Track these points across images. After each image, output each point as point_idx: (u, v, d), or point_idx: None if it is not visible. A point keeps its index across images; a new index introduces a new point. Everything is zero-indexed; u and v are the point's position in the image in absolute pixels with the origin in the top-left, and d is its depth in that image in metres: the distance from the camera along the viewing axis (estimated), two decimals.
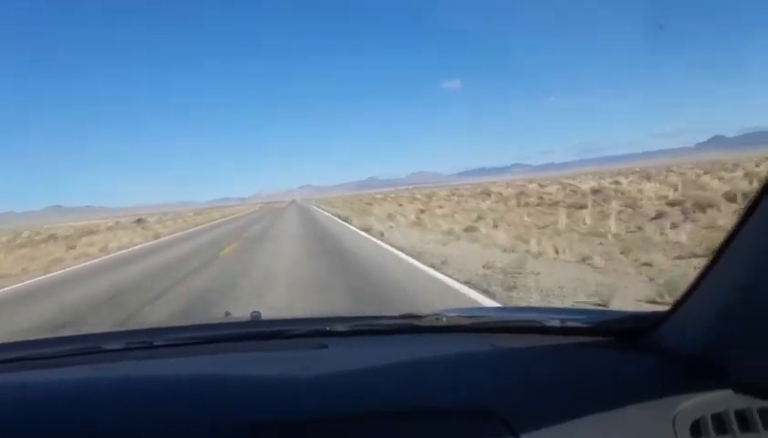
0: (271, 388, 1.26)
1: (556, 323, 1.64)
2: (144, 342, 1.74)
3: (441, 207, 34.63)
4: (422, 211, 31.29)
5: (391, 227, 21.12)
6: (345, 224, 26.30)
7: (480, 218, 21.27)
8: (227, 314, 3.41)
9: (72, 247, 27.48)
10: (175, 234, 33.05)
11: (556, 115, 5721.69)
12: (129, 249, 23.68)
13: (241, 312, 2.70)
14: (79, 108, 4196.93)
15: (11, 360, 1.62)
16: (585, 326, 1.60)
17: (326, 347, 1.62)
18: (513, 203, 31.05)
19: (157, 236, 32.19)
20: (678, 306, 1.29)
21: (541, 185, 56.41)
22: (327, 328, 1.78)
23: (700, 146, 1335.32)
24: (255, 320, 2.03)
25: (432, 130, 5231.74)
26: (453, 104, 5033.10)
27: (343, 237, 18.53)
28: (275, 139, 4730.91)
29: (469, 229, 17.04)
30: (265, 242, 19.36)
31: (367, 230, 20.11)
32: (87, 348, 1.71)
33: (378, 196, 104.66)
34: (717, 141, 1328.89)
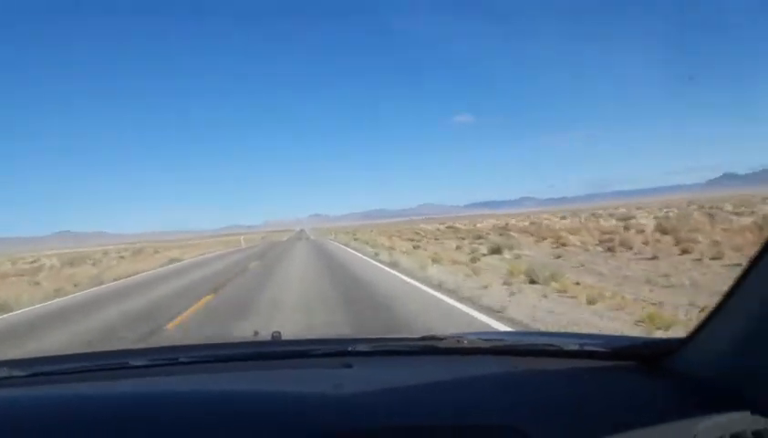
0: (301, 405, 1.29)
1: (575, 347, 1.66)
2: (169, 359, 1.79)
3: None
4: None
5: None
6: None
7: None
8: (256, 333, 2.90)
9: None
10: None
11: (567, 150, 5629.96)
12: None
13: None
14: (85, 133, 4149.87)
15: (36, 375, 1.67)
16: (603, 350, 1.62)
17: (350, 366, 1.64)
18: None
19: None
20: (696, 332, 1.35)
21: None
22: (350, 349, 1.81)
23: (712, 182, 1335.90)
24: (278, 340, 2.06)
25: (442, 163, 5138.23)
26: (464, 137, 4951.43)
27: None
28: (284, 168, 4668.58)
29: None
30: None
31: None
32: (113, 364, 1.77)
33: (428, 227, 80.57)
34: (728, 178, 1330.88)
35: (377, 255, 24.71)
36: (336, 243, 45.28)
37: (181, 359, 1.78)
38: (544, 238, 28.88)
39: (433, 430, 1.17)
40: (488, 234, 38.43)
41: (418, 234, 55.43)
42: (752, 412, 1.17)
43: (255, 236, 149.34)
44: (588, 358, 1.62)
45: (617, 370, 1.52)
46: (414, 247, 31.18)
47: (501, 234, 35.31)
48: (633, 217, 40.27)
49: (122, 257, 49.89)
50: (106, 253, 64.40)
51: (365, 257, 24.18)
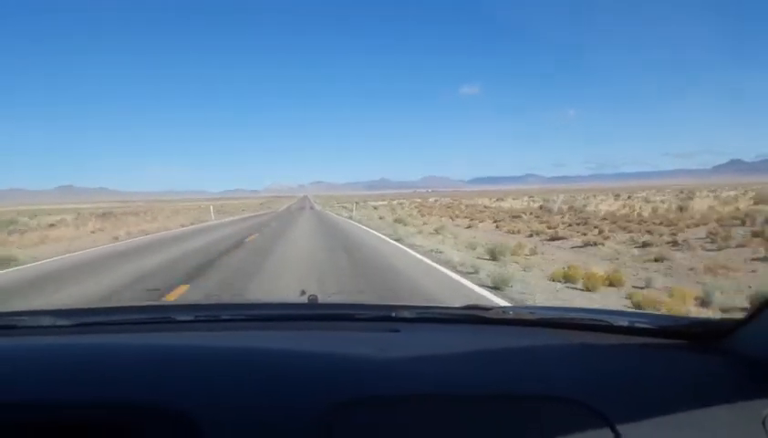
0: (350, 366, 1.27)
1: (624, 323, 1.61)
2: (212, 315, 1.80)
3: None
4: None
5: None
6: None
7: None
8: (303, 293, 2.67)
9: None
10: None
11: (573, 128, 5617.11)
12: None
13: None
14: (94, 91, 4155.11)
15: (81, 325, 1.68)
16: (653, 327, 1.58)
17: (397, 331, 1.60)
18: None
19: None
20: (755, 313, 1.30)
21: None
22: (394, 315, 1.76)
23: (718, 169, 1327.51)
24: (320, 303, 2.03)
25: (447, 135, 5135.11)
26: (470, 110, 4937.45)
27: None
28: (290, 134, 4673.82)
29: None
30: None
31: None
32: (160, 317, 1.79)
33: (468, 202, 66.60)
34: (735, 165, 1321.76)
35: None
36: (377, 232, 22.38)
37: (224, 317, 1.77)
38: None
39: (491, 399, 1.13)
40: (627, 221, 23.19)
41: (481, 212, 37.59)
42: None
43: (254, 202, 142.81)
44: (638, 335, 1.55)
45: (672, 348, 1.45)
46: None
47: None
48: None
49: None
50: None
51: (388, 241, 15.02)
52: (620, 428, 1.03)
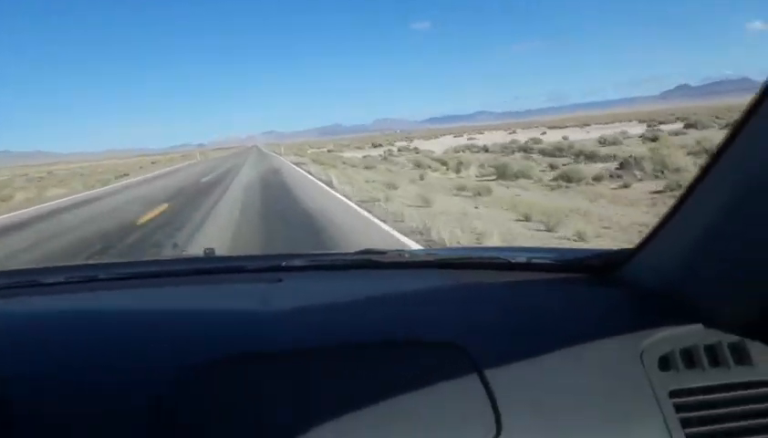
0: (228, 322, 1.24)
1: (523, 259, 1.60)
2: (87, 276, 1.68)
3: None
4: None
5: None
6: None
7: None
8: (175, 246, 3.04)
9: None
10: None
11: (523, 64, 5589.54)
12: None
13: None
14: (27, 46, 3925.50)
15: None
16: (552, 262, 1.57)
17: (280, 281, 1.54)
18: None
19: None
20: (647, 241, 1.27)
21: None
22: (284, 264, 1.70)
23: (666, 94, 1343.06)
24: (208, 257, 1.95)
25: (399, 76, 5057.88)
26: (422, 48, 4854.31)
27: None
28: (237, 85, 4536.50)
29: None
30: None
31: None
32: (23, 281, 1.64)
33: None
34: (682, 90, 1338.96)
35: None
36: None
37: (100, 277, 1.65)
38: None
39: (362, 347, 1.11)
40: None
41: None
42: (706, 326, 1.10)
43: (147, 161, 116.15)
44: (538, 270, 1.55)
45: (566, 283, 1.45)
46: None
47: None
48: None
49: None
50: None
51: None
52: (488, 372, 1.00)
